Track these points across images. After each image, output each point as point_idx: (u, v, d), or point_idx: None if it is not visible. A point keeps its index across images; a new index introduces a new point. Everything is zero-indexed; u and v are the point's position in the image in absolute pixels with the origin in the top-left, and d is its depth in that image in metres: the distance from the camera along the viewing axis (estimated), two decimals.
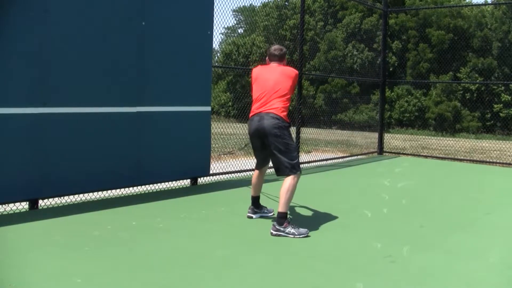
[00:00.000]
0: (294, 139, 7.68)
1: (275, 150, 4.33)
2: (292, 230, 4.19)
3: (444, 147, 13.82)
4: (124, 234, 4.16)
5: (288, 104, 4.46)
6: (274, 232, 4.22)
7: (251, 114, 4.50)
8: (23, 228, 4.23)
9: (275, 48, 4.61)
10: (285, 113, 4.40)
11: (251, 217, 4.81)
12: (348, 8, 24.76)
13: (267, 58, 4.68)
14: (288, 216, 4.30)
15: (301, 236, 4.18)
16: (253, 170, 7.43)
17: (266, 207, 4.88)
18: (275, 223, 4.25)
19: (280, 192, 4.27)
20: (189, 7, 6.02)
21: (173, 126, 5.91)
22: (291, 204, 4.63)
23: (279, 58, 4.59)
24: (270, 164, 4.68)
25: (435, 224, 4.86)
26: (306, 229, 4.25)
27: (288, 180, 4.28)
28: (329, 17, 25.00)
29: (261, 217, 4.82)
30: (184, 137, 6.06)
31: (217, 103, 24.68)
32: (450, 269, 3.60)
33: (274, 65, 4.59)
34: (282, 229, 4.21)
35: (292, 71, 4.56)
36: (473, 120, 21.07)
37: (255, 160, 4.77)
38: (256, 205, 4.83)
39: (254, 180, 4.76)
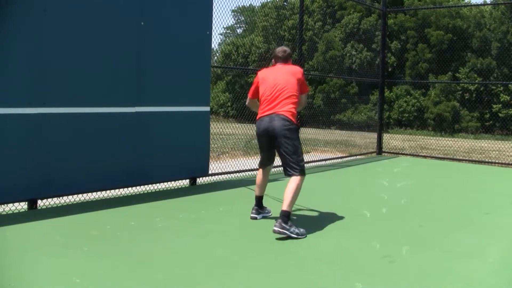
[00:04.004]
0: None
1: (284, 151, 4.37)
2: (296, 230, 4.19)
3: (443, 147, 13.83)
4: (124, 234, 4.16)
5: (296, 105, 4.50)
6: (276, 229, 4.12)
7: (260, 115, 4.51)
8: (22, 228, 4.23)
9: (279, 50, 4.76)
10: (294, 115, 4.44)
11: (255, 218, 4.77)
12: (346, 8, 24.78)
13: (273, 59, 4.79)
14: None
15: (301, 236, 4.18)
16: (252, 170, 7.53)
17: (266, 207, 4.88)
18: (280, 220, 4.18)
19: (285, 192, 4.27)
20: (188, 7, 6.02)
21: (172, 126, 5.91)
22: None
23: (283, 60, 4.70)
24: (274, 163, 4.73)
25: (434, 224, 4.86)
26: (303, 230, 4.25)
27: (295, 181, 4.30)
28: (328, 17, 25.01)
29: (262, 217, 4.82)
30: (183, 137, 6.06)
31: (216, 103, 24.73)
32: (449, 268, 3.60)
33: (279, 66, 4.69)
34: (287, 227, 4.18)
35: (297, 70, 4.64)
36: (472, 120, 21.09)
37: (259, 159, 4.76)
38: (260, 205, 4.82)
39: (259, 179, 4.73)
